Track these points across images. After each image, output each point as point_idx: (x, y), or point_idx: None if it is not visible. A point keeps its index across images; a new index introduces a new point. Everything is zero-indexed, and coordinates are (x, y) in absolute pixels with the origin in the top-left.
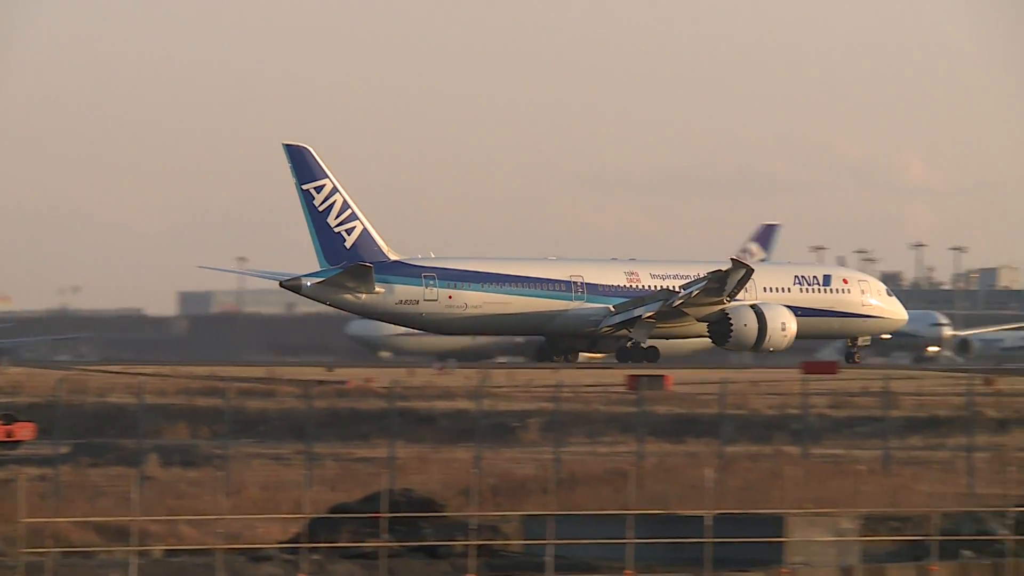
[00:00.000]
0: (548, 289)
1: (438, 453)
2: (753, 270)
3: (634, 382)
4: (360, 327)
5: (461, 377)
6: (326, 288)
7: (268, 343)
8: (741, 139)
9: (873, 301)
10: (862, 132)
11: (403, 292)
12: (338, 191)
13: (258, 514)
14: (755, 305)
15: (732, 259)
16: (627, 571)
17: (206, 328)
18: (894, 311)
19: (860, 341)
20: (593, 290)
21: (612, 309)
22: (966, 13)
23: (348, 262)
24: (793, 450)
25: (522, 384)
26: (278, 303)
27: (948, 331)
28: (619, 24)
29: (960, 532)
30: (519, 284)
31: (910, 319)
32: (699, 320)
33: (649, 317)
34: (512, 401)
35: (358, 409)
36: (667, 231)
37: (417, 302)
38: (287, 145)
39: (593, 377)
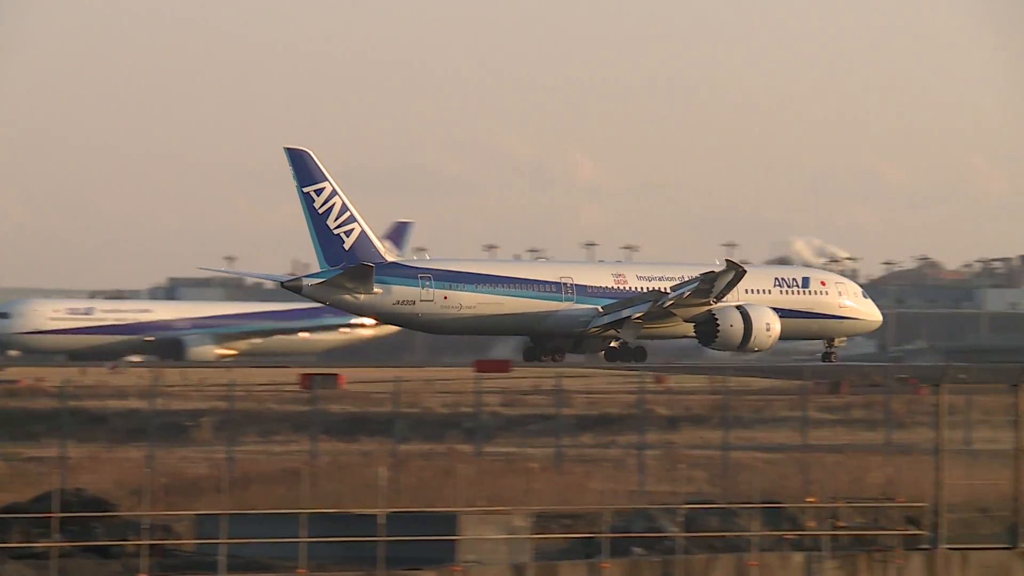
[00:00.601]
0: (539, 290)
1: (110, 453)
2: (745, 272)
3: (307, 381)
4: None
5: (134, 376)
6: (326, 289)
7: None
8: (412, 137)
9: (848, 303)
10: (533, 132)
11: (400, 293)
12: (337, 194)
13: None
14: (740, 306)
15: (726, 260)
16: (300, 570)
17: None
18: (869, 313)
19: (837, 342)
20: (582, 291)
21: (601, 310)
22: (625, 15)
23: (347, 263)
24: (466, 448)
25: (195, 383)
26: None
27: None
28: (288, 22)
29: (631, 529)
30: (511, 285)
31: None
32: (686, 321)
33: (638, 318)
34: (185, 400)
35: (29, 408)
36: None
37: (414, 303)
38: (288, 149)
39: (267, 376)
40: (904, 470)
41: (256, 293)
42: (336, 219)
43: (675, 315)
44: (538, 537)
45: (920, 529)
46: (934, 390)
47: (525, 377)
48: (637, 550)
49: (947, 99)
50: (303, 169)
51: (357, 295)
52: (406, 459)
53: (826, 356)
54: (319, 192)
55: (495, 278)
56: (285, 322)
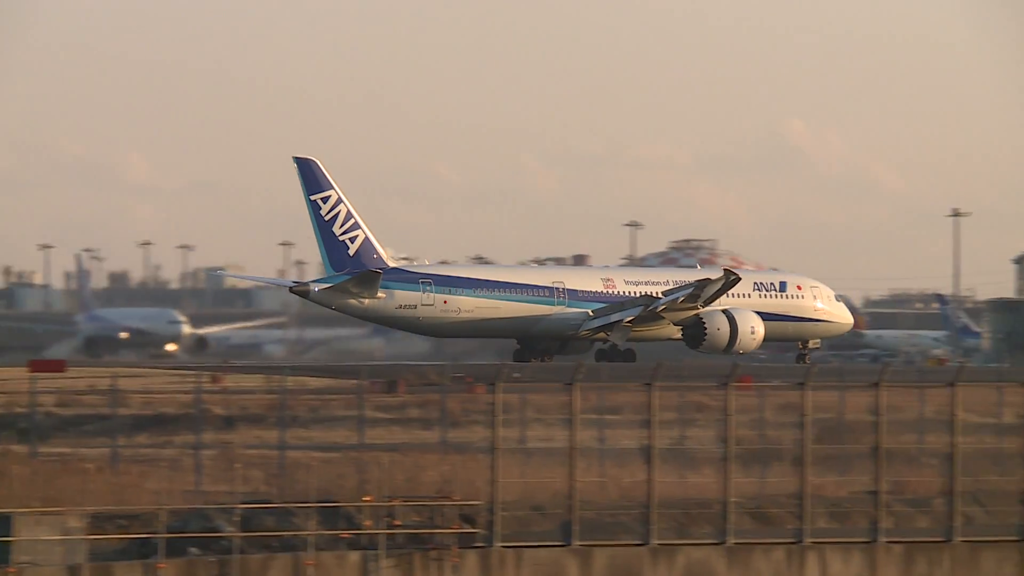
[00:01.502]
0: (533, 295)
1: None
2: (739, 279)
3: None
4: None
5: None
6: (332, 293)
7: None
8: None
9: (822, 306)
10: (82, 129)
11: (402, 297)
12: (343, 201)
13: None
14: (726, 310)
15: (724, 269)
16: None
17: None
18: (842, 315)
19: (811, 343)
20: (573, 295)
21: (591, 313)
22: (177, 12)
23: (352, 269)
24: (21, 449)
25: None
26: None
27: (186, 328)
28: None
29: (187, 529)
30: (507, 290)
31: (145, 317)
32: (674, 324)
33: (628, 321)
34: None
35: None
36: None
37: (415, 307)
38: (297, 158)
39: None
40: (460, 468)
41: None
42: (341, 226)
43: (663, 318)
44: (93, 538)
45: (475, 527)
46: (490, 389)
47: (80, 377)
48: (193, 550)
49: (497, 99)
50: (310, 177)
51: (362, 300)
52: None
53: (800, 357)
54: (325, 200)
55: (492, 283)
56: None
